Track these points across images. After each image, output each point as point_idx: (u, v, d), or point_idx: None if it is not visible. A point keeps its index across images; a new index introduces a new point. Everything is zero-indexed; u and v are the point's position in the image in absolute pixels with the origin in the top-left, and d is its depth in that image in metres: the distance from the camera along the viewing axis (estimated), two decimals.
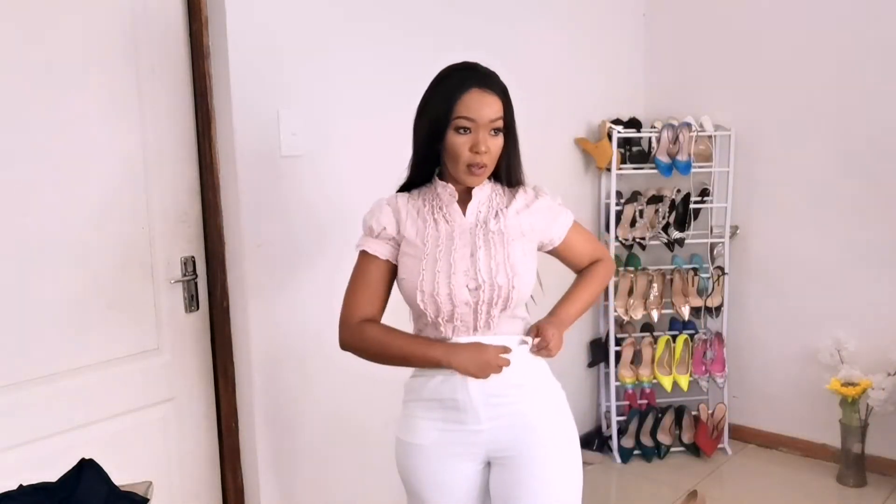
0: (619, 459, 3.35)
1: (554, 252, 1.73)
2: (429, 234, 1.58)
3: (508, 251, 1.56)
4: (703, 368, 3.36)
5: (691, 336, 3.38)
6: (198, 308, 2.19)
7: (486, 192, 1.62)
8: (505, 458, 1.58)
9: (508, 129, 1.58)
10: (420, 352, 1.57)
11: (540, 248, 1.69)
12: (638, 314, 3.37)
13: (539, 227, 1.65)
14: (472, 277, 1.54)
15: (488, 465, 1.62)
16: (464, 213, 1.60)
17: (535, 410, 1.59)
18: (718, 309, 3.38)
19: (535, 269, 1.62)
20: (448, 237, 1.58)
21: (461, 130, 1.52)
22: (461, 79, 1.54)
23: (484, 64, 1.59)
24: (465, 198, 1.62)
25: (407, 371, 1.68)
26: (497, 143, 1.55)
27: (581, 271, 1.80)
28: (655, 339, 3.42)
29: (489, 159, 1.55)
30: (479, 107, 1.51)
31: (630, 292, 3.41)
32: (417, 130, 1.60)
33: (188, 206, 2.15)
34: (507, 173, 1.63)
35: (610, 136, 3.28)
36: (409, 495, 1.69)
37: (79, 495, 1.36)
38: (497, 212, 1.61)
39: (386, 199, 1.66)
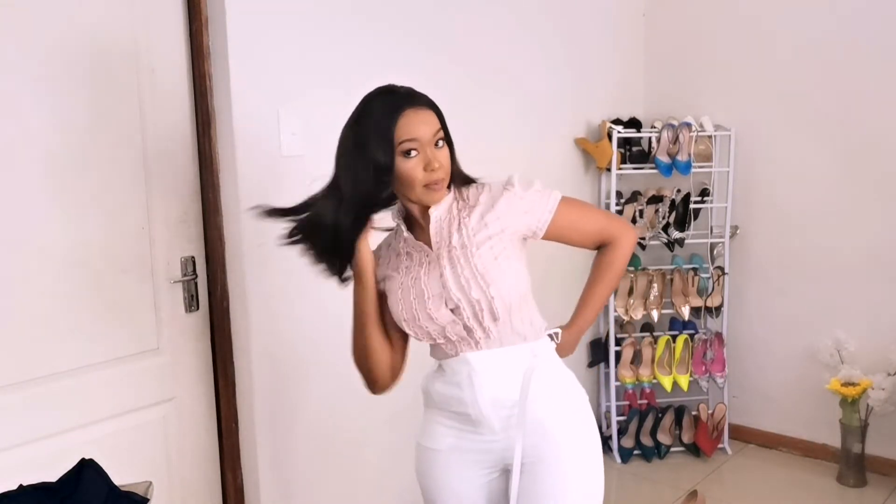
0: (619, 459, 3.35)
1: (549, 239, 1.62)
2: (401, 263, 1.56)
3: (475, 262, 1.50)
4: (703, 368, 3.36)
5: (691, 336, 3.38)
6: (198, 308, 2.19)
7: (443, 209, 1.55)
8: (522, 466, 1.54)
9: (447, 137, 1.53)
10: None
11: (531, 238, 1.60)
12: (638, 314, 3.37)
13: (512, 224, 1.55)
14: (447, 298, 1.50)
15: (505, 472, 1.60)
16: (429, 241, 1.54)
17: (552, 417, 1.55)
18: (718, 309, 3.38)
19: (517, 268, 1.54)
20: (418, 264, 1.55)
21: (408, 154, 1.46)
22: (388, 105, 1.48)
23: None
24: (424, 223, 1.56)
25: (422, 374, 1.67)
26: (445, 154, 1.50)
27: (595, 259, 1.71)
28: (655, 339, 3.42)
29: (444, 173, 1.50)
30: (419, 126, 1.46)
31: (630, 292, 3.40)
32: (350, 170, 1.48)
33: (188, 206, 2.15)
34: (455, 177, 1.56)
35: (610, 136, 3.28)
36: (425, 500, 1.68)
37: (79, 495, 1.36)
38: (459, 222, 1.54)
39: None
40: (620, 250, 1.67)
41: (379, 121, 1.47)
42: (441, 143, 1.50)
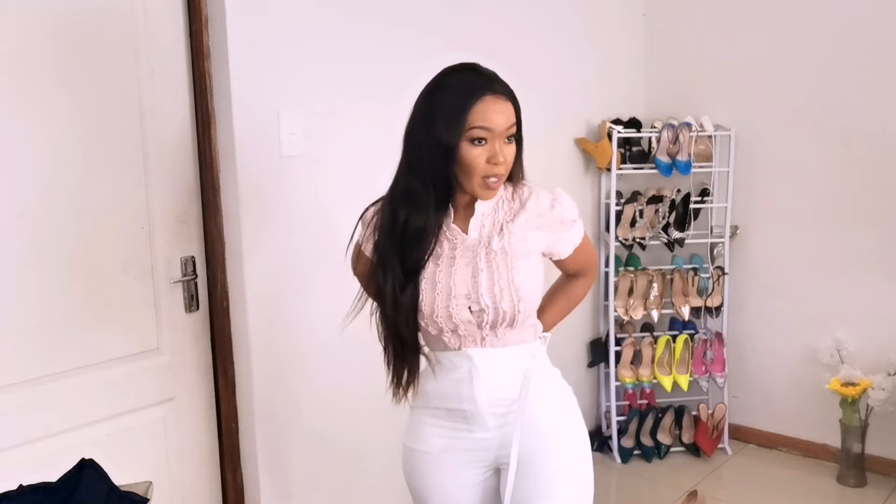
0: (619, 459, 3.34)
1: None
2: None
3: (513, 274, 1.48)
4: (703, 368, 3.36)
5: (691, 336, 3.38)
6: (198, 308, 2.19)
7: (489, 204, 1.51)
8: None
9: (519, 133, 1.49)
10: None
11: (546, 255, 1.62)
12: (638, 314, 3.37)
13: (546, 242, 1.55)
14: (474, 301, 1.47)
15: (497, 471, 1.60)
16: (466, 228, 1.50)
17: (543, 416, 1.55)
18: (718, 309, 3.38)
19: (541, 279, 1.55)
20: (449, 256, 1.50)
21: (476, 141, 1.41)
22: (469, 84, 1.42)
23: (484, 64, 1.55)
24: (465, 210, 1.52)
25: None
26: (512, 150, 1.45)
27: (562, 282, 1.74)
28: (655, 339, 3.41)
29: (506, 169, 1.45)
30: (495, 115, 1.40)
31: (630, 292, 3.40)
32: (417, 144, 1.45)
33: (188, 206, 2.15)
34: (513, 175, 1.53)
35: (610, 136, 3.28)
36: (415, 502, 1.67)
37: (79, 495, 1.36)
38: (502, 226, 1.50)
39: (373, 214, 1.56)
40: (587, 285, 1.73)
41: (454, 99, 1.41)
42: (511, 138, 1.45)
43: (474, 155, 1.42)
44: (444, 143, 1.41)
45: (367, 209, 1.60)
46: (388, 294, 1.49)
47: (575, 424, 1.60)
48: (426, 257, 1.49)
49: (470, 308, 1.49)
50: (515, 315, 1.48)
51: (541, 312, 1.68)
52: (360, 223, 1.61)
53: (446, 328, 1.51)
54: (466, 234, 1.50)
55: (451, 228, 1.50)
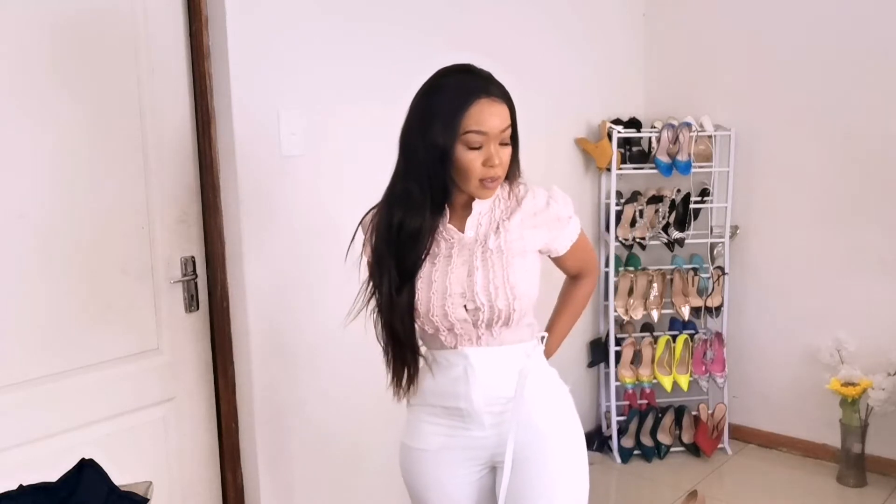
0: (619, 459, 3.34)
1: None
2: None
3: (508, 272, 1.48)
4: (703, 368, 3.36)
5: (691, 336, 3.38)
6: (198, 308, 2.19)
7: (486, 203, 1.52)
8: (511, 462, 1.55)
9: (514, 133, 1.49)
10: None
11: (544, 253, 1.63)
12: (638, 314, 3.37)
13: (543, 240, 1.57)
14: (469, 299, 1.48)
15: (493, 470, 1.60)
16: (462, 227, 1.51)
17: (540, 414, 1.56)
18: (718, 309, 3.38)
19: (537, 278, 1.55)
20: (446, 255, 1.51)
21: (471, 144, 1.41)
22: (463, 87, 1.42)
23: (484, 64, 1.54)
24: (462, 209, 1.52)
25: None
26: (508, 152, 1.46)
27: (565, 289, 1.76)
28: (655, 339, 3.42)
29: (502, 171, 1.46)
30: (490, 118, 1.41)
31: (630, 292, 3.41)
32: (413, 146, 1.45)
33: (188, 206, 2.15)
34: (510, 174, 1.54)
35: (610, 136, 3.28)
36: (412, 500, 1.68)
37: (79, 495, 1.36)
38: (498, 224, 1.51)
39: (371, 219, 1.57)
40: (591, 285, 1.75)
41: (449, 102, 1.41)
42: (507, 141, 1.46)
43: (470, 158, 1.43)
44: (440, 146, 1.42)
45: (365, 214, 1.60)
46: (385, 295, 1.50)
47: (571, 423, 1.61)
48: (422, 258, 1.49)
49: (465, 306, 1.49)
50: (511, 314, 1.49)
51: (550, 326, 1.70)
52: (359, 228, 1.61)
53: (442, 327, 1.51)
54: (463, 232, 1.51)
55: (447, 228, 1.51)
